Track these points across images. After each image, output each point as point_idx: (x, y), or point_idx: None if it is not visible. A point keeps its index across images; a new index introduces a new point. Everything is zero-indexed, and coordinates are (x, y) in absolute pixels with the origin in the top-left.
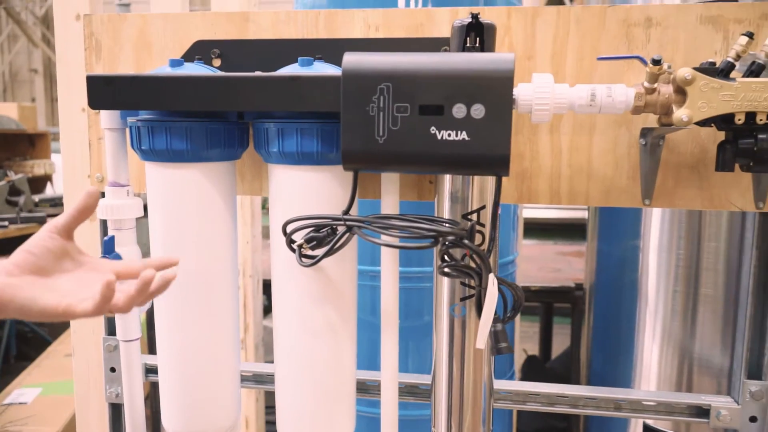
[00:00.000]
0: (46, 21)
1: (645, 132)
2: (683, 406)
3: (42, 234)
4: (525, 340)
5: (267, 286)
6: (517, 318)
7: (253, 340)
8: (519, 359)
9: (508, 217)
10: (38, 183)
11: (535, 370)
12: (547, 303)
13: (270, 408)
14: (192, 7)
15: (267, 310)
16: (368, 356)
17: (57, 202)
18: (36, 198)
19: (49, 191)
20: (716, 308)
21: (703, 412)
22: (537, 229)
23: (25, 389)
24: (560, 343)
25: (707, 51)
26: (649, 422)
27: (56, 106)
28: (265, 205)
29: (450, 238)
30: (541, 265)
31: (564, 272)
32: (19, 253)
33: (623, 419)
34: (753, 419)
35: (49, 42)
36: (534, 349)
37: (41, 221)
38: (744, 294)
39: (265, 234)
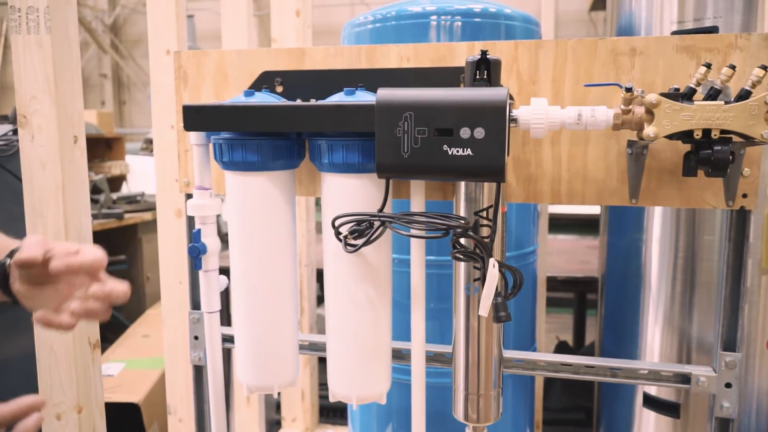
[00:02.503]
0: (115, 29)
1: (631, 143)
2: (669, 374)
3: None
4: (562, 330)
5: (320, 276)
6: (542, 307)
7: (308, 322)
8: (550, 346)
9: (528, 215)
10: (115, 182)
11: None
12: (580, 293)
13: (323, 385)
14: (257, 11)
15: (320, 300)
16: (405, 332)
17: (132, 200)
18: (114, 196)
19: (124, 189)
20: (711, 294)
21: (686, 379)
22: (578, 225)
23: (111, 363)
24: (595, 333)
25: (683, 75)
26: (652, 392)
27: (124, 108)
28: (318, 203)
29: (458, 230)
30: (571, 257)
31: (592, 264)
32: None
33: (630, 396)
34: (728, 385)
35: (117, 48)
36: (569, 340)
37: (119, 217)
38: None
39: (318, 229)
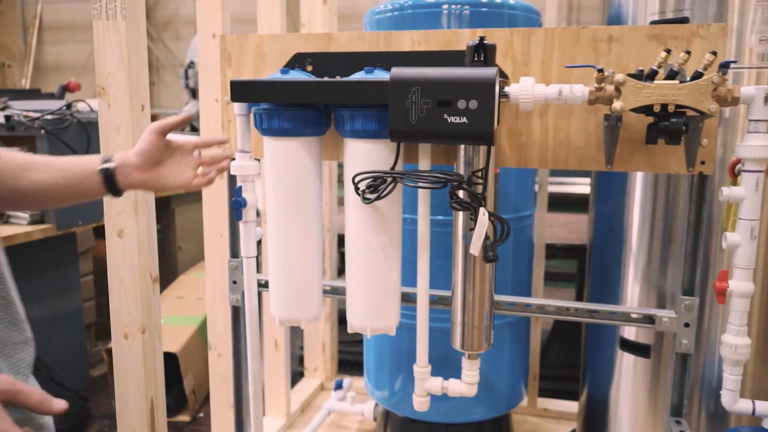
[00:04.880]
0: (150, 18)
1: (607, 117)
2: (639, 316)
3: (147, 137)
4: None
5: (341, 242)
6: (541, 272)
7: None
8: None
9: (526, 183)
10: None
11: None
12: (581, 264)
13: (342, 342)
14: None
15: (340, 272)
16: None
17: None
18: None
19: None
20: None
21: (651, 319)
22: (584, 203)
23: None
24: None
25: (652, 59)
26: (630, 337)
27: (153, 89)
28: (340, 179)
29: (454, 183)
30: (573, 228)
31: None
32: (136, 156)
33: (611, 342)
34: (686, 325)
35: (147, 31)
36: None
37: None
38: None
39: (340, 202)
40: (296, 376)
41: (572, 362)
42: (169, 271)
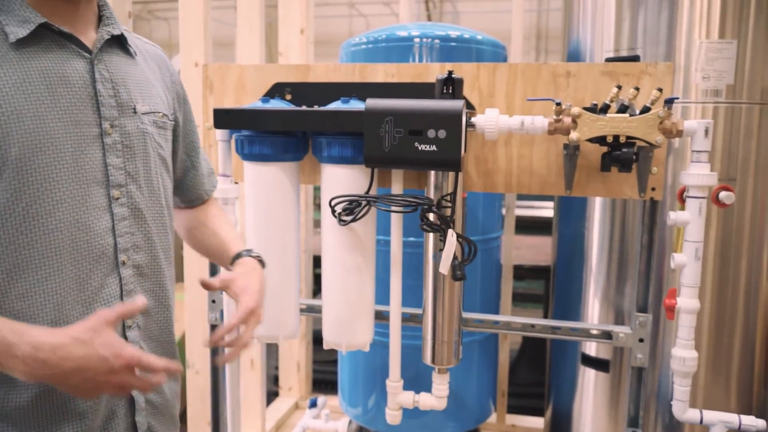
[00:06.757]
0: None
1: (566, 146)
2: (597, 332)
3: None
4: None
5: (317, 263)
6: (508, 290)
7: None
8: None
9: (493, 208)
10: None
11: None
12: (549, 281)
13: (316, 362)
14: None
15: (316, 292)
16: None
17: None
18: None
19: None
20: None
21: (609, 335)
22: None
23: None
24: None
25: (606, 93)
26: (591, 353)
27: None
28: (316, 202)
29: (425, 207)
30: (539, 251)
31: None
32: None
33: (573, 358)
34: (641, 340)
35: None
36: None
37: None
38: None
39: (316, 224)
40: (271, 395)
41: (540, 380)
42: None
